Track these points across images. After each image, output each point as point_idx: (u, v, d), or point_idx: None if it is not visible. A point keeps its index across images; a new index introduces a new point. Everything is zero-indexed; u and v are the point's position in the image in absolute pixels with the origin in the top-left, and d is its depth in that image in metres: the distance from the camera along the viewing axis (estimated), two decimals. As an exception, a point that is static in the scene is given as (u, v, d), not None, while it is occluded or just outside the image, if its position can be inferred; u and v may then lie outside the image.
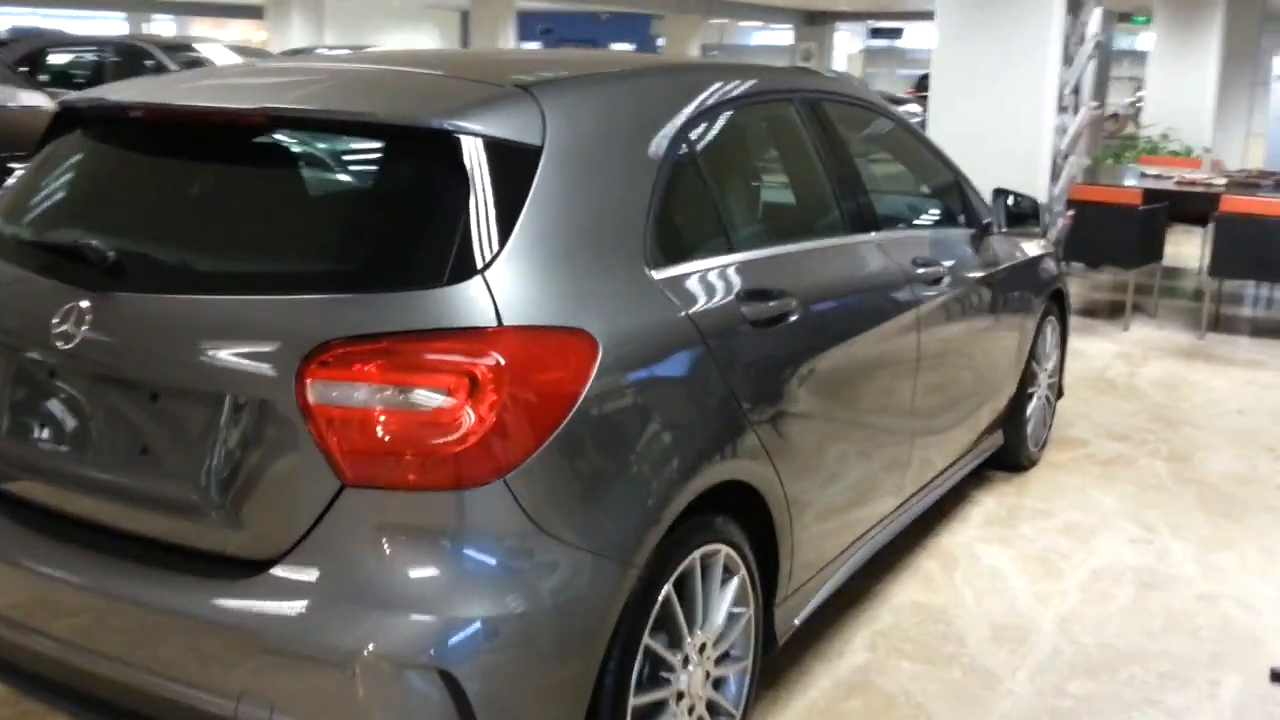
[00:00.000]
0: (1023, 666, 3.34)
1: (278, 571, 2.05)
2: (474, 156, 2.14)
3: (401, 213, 2.15)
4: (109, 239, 2.26)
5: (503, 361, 2.00)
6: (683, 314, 2.40)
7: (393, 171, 2.26)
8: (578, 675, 2.11)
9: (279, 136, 2.37)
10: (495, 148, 2.17)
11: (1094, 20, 7.17)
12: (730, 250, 2.69)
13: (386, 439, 1.98)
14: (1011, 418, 4.60)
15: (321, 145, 2.35)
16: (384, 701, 1.96)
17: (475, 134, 2.15)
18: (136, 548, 2.20)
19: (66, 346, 2.21)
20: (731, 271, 2.65)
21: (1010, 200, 4.28)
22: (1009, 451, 4.72)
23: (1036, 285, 4.60)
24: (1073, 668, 3.35)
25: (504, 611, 2.00)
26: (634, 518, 2.21)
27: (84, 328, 2.19)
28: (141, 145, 2.50)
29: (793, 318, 2.75)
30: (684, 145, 2.60)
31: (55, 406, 2.28)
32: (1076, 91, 7.40)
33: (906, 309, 3.38)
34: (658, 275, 2.39)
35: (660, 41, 30.63)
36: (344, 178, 2.40)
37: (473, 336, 2.01)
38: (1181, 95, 13.15)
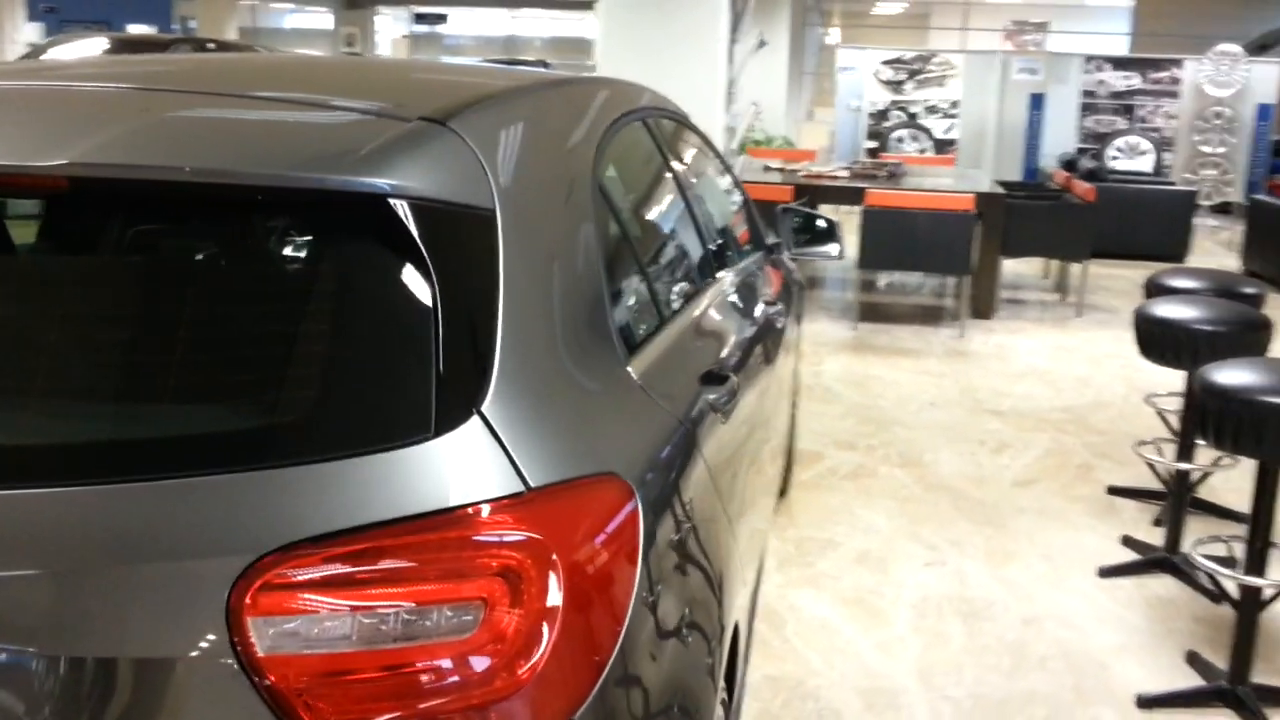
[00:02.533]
0: (915, 737, 3.06)
1: None
2: (430, 231, 1.46)
3: (342, 327, 1.43)
4: None
5: (555, 543, 1.36)
6: (674, 420, 1.85)
7: (316, 261, 1.52)
8: None
9: (112, 210, 1.55)
10: (448, 217, 1.51)
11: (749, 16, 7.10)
12: (663, 321, 2.15)
13: (395, 695, 1.28)
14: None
15: (178, 225, 1.56)
16: None
17: (420, 198, 1.47)
18: None
19: None
20: (683, 352, 2.12)
21: (797, 219, 3.98)
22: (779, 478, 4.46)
23: (797, 299, 4.36)
24: (962, 729, 3.11)
25: None
26: (706, 686, 1.66)
27: None
28: None
29: (738, 399, 2.26)
30: (601, 190, 2.02)
31: None
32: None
33: (778, 353, 2.98)
34: (634, 372, 1.81)
35: (193, 24, 28.31)
36: (238, 276, 1.58)
37: (501, 513, 1.34)
38: (762, 87, 13.69)
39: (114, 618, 1.24)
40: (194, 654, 1.24)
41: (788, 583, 4.01)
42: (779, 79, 14.82)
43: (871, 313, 8.44)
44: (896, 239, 7.68)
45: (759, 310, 3.01)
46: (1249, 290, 4.22)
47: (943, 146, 14.44)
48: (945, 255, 7.65)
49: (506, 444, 1.37)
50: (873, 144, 14.57)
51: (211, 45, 13.24)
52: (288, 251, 1.52)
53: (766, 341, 2.98)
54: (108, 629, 1.25)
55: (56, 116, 1.60)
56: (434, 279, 1.42)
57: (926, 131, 14.79)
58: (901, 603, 3.89)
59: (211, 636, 1.24)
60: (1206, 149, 13.64)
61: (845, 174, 9.01)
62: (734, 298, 2.82)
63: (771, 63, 14.05)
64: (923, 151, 14.16)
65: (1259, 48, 16.23)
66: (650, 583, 1.53)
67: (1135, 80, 14.00)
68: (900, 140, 14.76)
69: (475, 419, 1.37)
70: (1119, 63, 14.25)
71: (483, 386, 1.40)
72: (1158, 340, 3.79)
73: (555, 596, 1.33)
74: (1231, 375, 3.00)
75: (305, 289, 1.46)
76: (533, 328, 1.52)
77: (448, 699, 1.28)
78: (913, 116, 14.85)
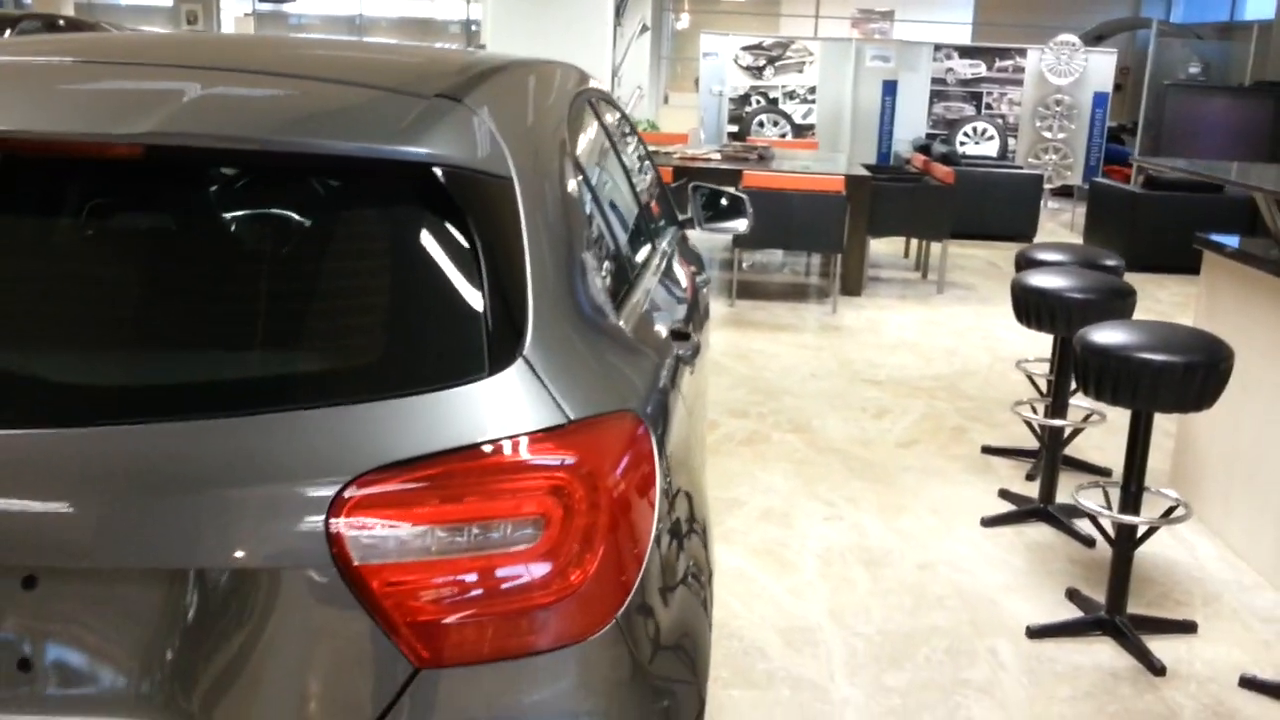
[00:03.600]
0: (834, 670, 3.34)
1: None
2: (467, 195, 1.65)
3: (406, 282, 1.61)
4: None
5: (592, 468, 1.57)
6: (661, 368, 2.06)
7: (370, 224, 1.68)
8: None
9: (183, 175, 1.68)
10: (479, 183, 1.69)
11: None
12: (630, 283, 2.36)
13: (470, 596, 1.48)
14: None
15: (252, 191, 1.70)
16: None
17: (456, 166, 1.66)
18: None
19: None
20: (651, 310, 2.33)
21: (706, 194, 4.22)
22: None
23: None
24: (876, 661, 3.41)
25: None
26: (703, 627, 1.88)
27: None
28: None
29: (699, 355, 2.49)
30: (575, 160, 2.23)
31: None
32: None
33: (707, 319, 3.21)
34: (623, 324, 2.02)
35: (28, 0, 27.11)
36: (301, 234, 1.73)
37: (551, 441, 1.54)
38: (630, 72, 13.92)
39: (228, 535, 1.41)
40: (299, 565, 1.41)
41: (701, 539, 4.24)
42: (643, 64, 15.08)
43: (747, 290, 8.76)
44: (773, 219, 7.99)
45: (695, 278, 3.24)
46: (1110, 262, 4.63)
47: (801, 131, 14.89)
48: (819, 234, 8.01)
49: (547, 383, 1.57)
50: (734, 128, 14.94)
51: (62, 23, 12.84)
52: (349, 216, 1.68)
53: (701, 307, 3.21)
54: (223, 545, 1.41)
55: (119, 89, 1.72)
56: (475, 239, 1.61)
57: (786, 117, 15.23)
58: (807, 553, 4.17)
59: (314, 549, 1.41)
60: (1048, 134, 14.40)
61: (718, 157, 9.30)
62: (675, 265, 3.04)
63: (636, 47, 14.31)
64: (783, 136, 14.60)
65: (1096, 38, 17.18)
66: (665, 498, 1.75)
67: (982, 68, 14.68)
68: (761, 125, 15.17)
69: (520, 361, 1.56)
70: (966, 51, 14.91)
71: (522, 333, 1.59)
72: (1034, 308, 4.15)
73: (598, 513, 1.54)
74: (1109, 335, 3.35)
75: (369, 250, 1.62)
76: (551, 283, 1.71)
77: (513, 601, 1.47)
78: (773, 102, 15.27)
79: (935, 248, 9.43)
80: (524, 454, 1.49)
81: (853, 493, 4.76)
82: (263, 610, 1.42)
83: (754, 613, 3.68)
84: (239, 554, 1.41)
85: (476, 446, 1.47)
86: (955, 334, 7.66)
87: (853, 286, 8.72)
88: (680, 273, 3.10)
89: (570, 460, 1.51)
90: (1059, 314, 4.07)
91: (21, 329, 1.56)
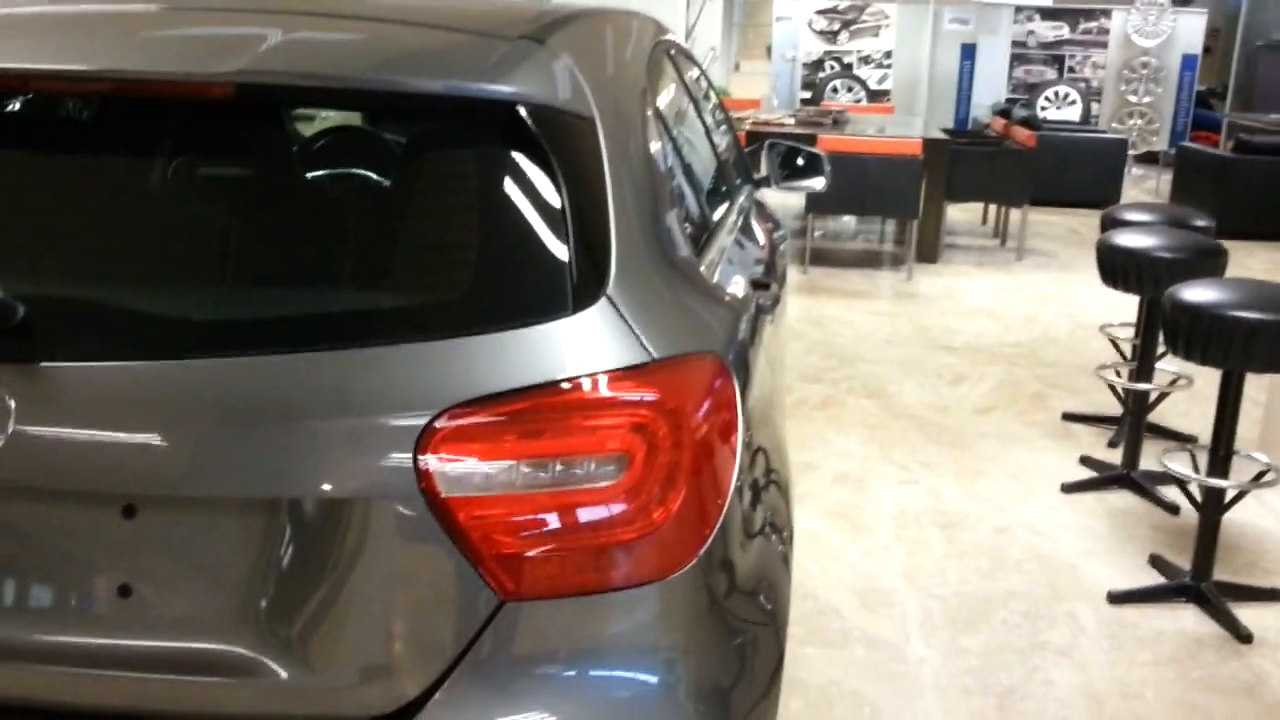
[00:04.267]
0: (910, 632, 3.30)
1: None
2: (552, 134, 1.63)
3: (494, 221, 1.60)
4: (23, 282, 1.52)
5: (675, 406, 1.55)
6: (742, 315, 2.03)
7: (456, 162, 1.68)
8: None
9: (273, 114, 1.69)
10: (563, 122, 1.67)
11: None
12: (711, 231, 2.33)
13: (554, 531, 1.47)
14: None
15: (341, 130, 1.70)
16: None
17: (545, 106, 1.64)
18: None
19: None
20: (731, 259, 2.31)
21: (782, 152, 4.16)
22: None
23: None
24: (952, 623, 3.36)
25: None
26: (784, 580, 1.86)
27: (8, 424, 1.45)
28: (39, 138, 1.70)
29: (779, 307, 2.45)
30: (655, 106, 2.20)
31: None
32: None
33: (786, 276, 3.18)
34: (703, 269, 1.99)
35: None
36: (388, 173, 1.75)
37: (634, 379, 1.52)
38: (702, 37, 13.83)
39: (318, 467, 1.42)
40: (388, 496, 1.42)
41: (775, 500, 4.22)
42: (715, 29, 14.96)
43: (820, 257, 8.68)
44: (848, 184, 7.89)
45: (772, 234, 3.20)
46: (1200, 223, 4.50)
47: (876, 97, 14.69)
48: (895, 199, 7.90)
49: (630, 321, 1.55)
50: (806, 95, 14.78)
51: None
52: (436, 154, 1.68)
53: (779, 263, 3.18)
54: (313, 476, 1.42)
55: (209, 32, 1.73)
56: (559, 178, 1.59)
57: (861, 82, 15.04)
58: (882, 516, 4.13)
59: (402, 481, 1.42)
60: (1133, 99, 14.06)
61: (792, 121, 9.20)
62: (752, 221, 3.01)
63: (708, 12, 14.20)
64: (858, 101, 14.41)
65: None
66: (746, 450, 1.73)
67: (1064, 30, 14.36)
68: (835, 90, 15.00)
69: (604, 300, 1.55)
70: (1049, 13, 14.59)
71: (605, 272, 1.57)
72: (1121, 268, 4.05)
73: (681, 451, 1.52)
74: (1200, 293, 3.26)
75: (456, 188, 1.62)
76: (634, 224, 1.69)
77: (596, 537, 1.47)
78: (847, 67, 15.08)
79: (1014, 214, 9.26)
80: (608, 391, 1.48)
81: (928, 457, 4.70)
82: (353, 541, 1.44)
83: (829, 573, 3.65)
84: (329, 485, 1.42)
85: (561, 383, 1.47)
86: (1035, 301, 7.53)
87: (929, 253, 8.60)
88: (757, 228, 3.07)
89: (654, 397, 1.50)
90: (1146, 274, 3.97)
91: (118, 265, 1.60)
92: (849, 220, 10.20)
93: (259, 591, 1.45)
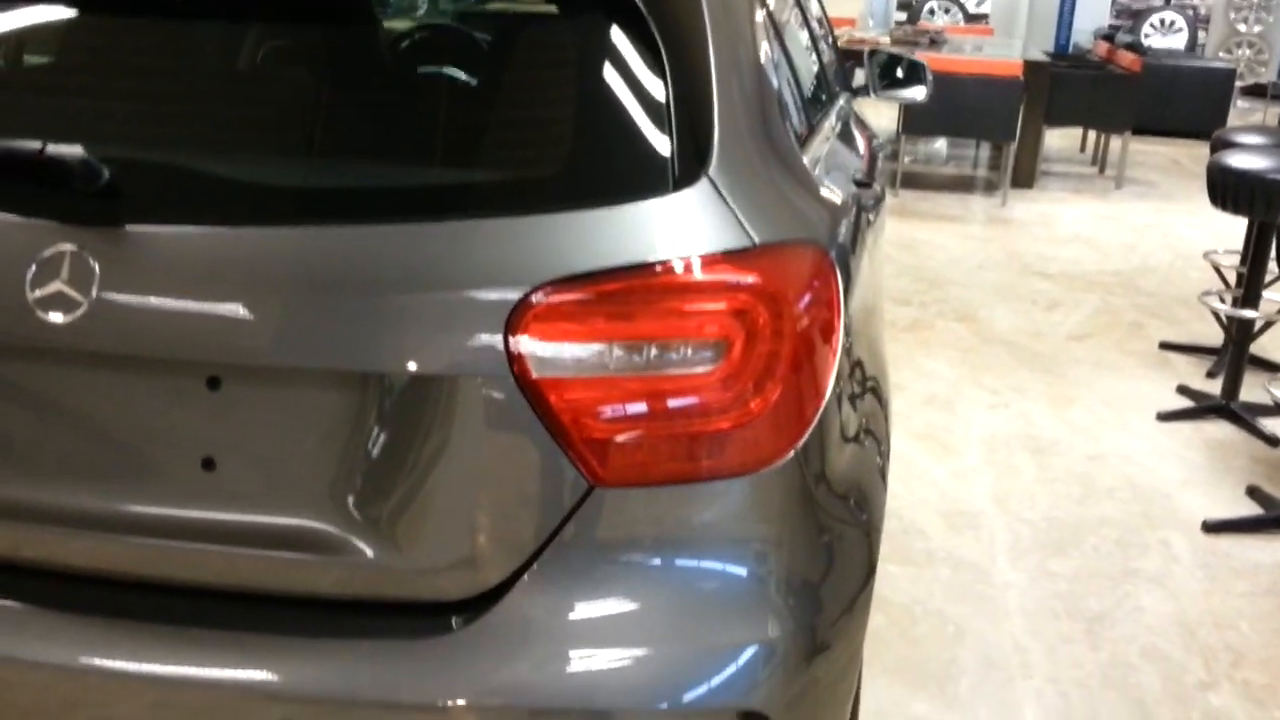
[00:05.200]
0: (997, 554, 3.25)
1: (492, 616, 1.45)
2: (655, 6, 1.56)
3: (593, 94, 1.54)
4: (111, 144, 1.49)
5: (777, 293, 1.49)
6: (845, 212, 1.96)
7: (556, 32, 1.63)
8: (855, 670, 1.72)
9: None
10: None
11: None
12: (812, 128, 2.25)
13: (647, 417, 1.43)
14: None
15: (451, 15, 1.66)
16: None
17: None
18: (230, 611, 1.52)
19: (61, 320, 1.45)
20: (833, 156, 2.23)
21: (882, 61, 4.05)
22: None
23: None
24: (1041, 547, 3.30)
25: (806, 624, 1.55)
26: (879, 490, 1.81)
27: (92, 287, 1.44)
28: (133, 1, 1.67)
29: (880, 207, 2.38)
30: None
31: (44, 415, 1.51)
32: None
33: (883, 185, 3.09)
34: (806, 162, 1.92)
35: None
36: (486, 42, 1.71)
37: (735, 262, 1.47)
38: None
39: (406, 340, 1.39)
40: (477, 374, 1.39)
41: (861, 420, 4.17)
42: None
43: (911, 181, 8.50)
44: (945, 104, 7.67)
45: (871, 141, 3.12)
46: (1317, 146, 4.30)
47: (974, 19, 14.29)
48: (992, 121, 7.69)
49: (731, 204, 1.50)
50: (901, 16, 14.42)
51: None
52: (533, 25, 1.64)
53: (878, 167, 3.10)
54: (401, 350, 1.40)
55: None
56: (663, 51, 1.53)
57: (959, 4, 14.63)
58: (971, 439, 4.06)
59: (492, 359, 1.39)
60: (1242, 28, 13.51)
61: (887, 40, 8.97)
62: (852, 126, 2.93)
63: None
64: (955, 24, 14.02)
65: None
66: (846, 356, 1.68)
67: (1175, -46, 13.80)
68: (932, 12, 14.62)
69: (705, 180, 1.49)
70: (1159, -64, 14.02)
71: (707, 153, 1.52)
72: (1232, 190, 3.90)
73: (781, 341, 1.47)
74: (1318, 214, 3.12)
75: (553, 59, 1.58)
76: (738, 105, 1.62)
77: (690, 424, 1.43)
78: (945, -11, 14.68)
79: (1115, 143, 8.97)
80: (707, 274, 1.43)
81: (1019, 382, 4.60)
82: (441, 419, 1.42)
83: (914, 494, 3.60)
84: (417, 360, 1.39)
85: (658, 263, 1.42)
86: (1134, 230, 7.31)
87: (1024, 179, 8.38)
88: (857, 134, 2.99)
89: (754, 282, 1.45)
90: (1259, 196, 3.81)
91: (207, 130, 1.58)
92: (941, 146, 9.97)
93: (345, 469, 1.44)
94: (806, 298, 1.53)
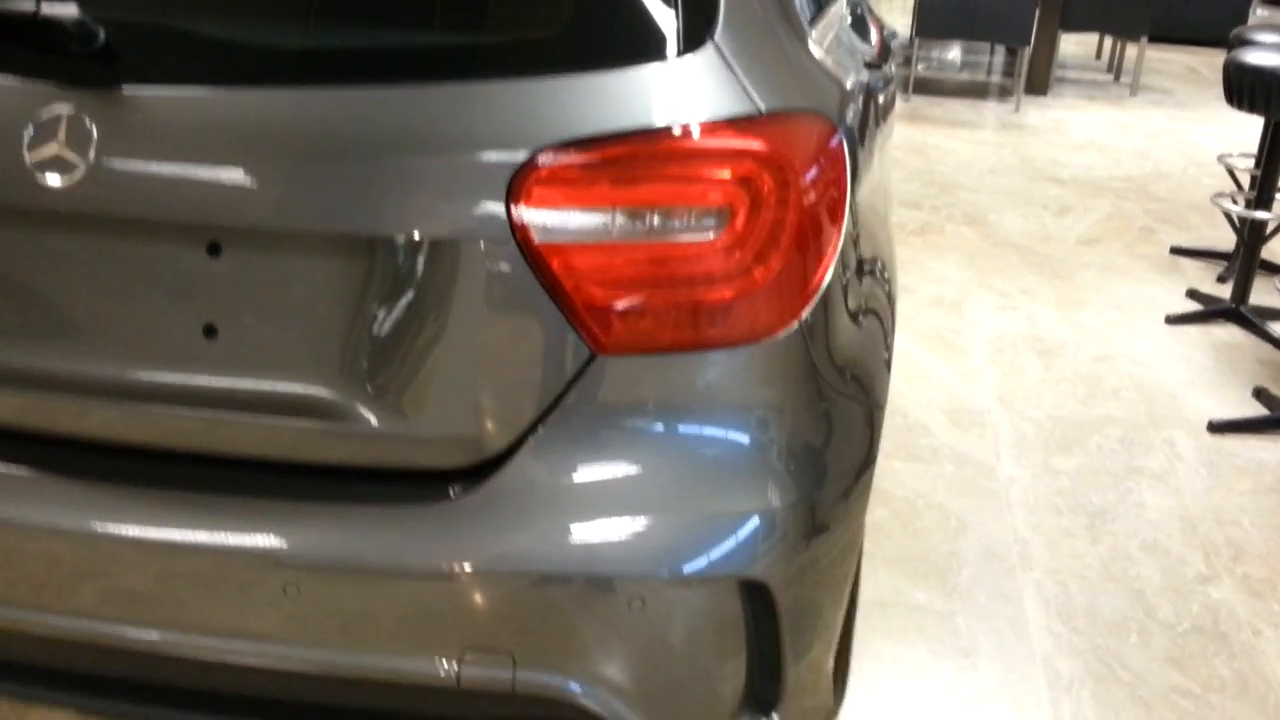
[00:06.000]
0: (1001, 451, 3.25)
1: (494, 483, 1.46)
2: None
3: None
4: (108, 4, 1.46)
5: (783, 162, 1.47)
6: (856, 89, 1.93)
7: None
8: (855, 554, 1.72)
9: None
10: None
11: None
12: (823, 5, 2.20)
13: (650, 284, 1.42)
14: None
15: None
16: (672, 634, 1.48)
17: None
18: (236, 478, 1.53)
19: (59, 183, 1.43)
20: (840, 39, 2.19)
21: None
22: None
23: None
24: (1045, 445, 3.30)
25: (807, 497, 1.54)
26: (883, 378, 1.80)
27: (90, 150, 1.42)
28: None
29: (890, 90, 2.34)
30: None
31: (43, 281, 1.50)
32: None
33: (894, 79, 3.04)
34: (816, 35, 1.88)
35: None
36: None
37: (740, 129, 1.44)
38: None
39: (407, 203, 1.38)
40: (479, 238, 1.38)
41: (868, 320, 4.16)
42: None
43: (924, 86, 8.38)
44: (958, 6, 7.56)
45: (882, 30, 3.06)
46: (1338, 44, 4.22)
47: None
48: (1007, 23, 7.55)
49: (738, 71, 1.47)
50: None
51: None
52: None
53: (890, 59, 3.04)
54: (402, 213, 1.38)
55: None
56: None
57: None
58: (978, 340, 4.05)
59: (493, 223, 1.37)
60: (1266, -69, 13.19)
61: (903, -57, 8.79)
62: (863, 10, 2.87)
63: None
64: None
65: None
66: (853, 229, 1.66)
67: None
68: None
69: (710, 45, 1.46)
70: None
71: (713, 16, 1.48)
72: (1250, 87, 3.83)
73: (786, 210, 1.45)
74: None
75: None
76: None
77: (694, 293, 1.42)
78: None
79: (1130, 50, 8.83)
80: (712, 140, 1.41)
81: (1028, 285, 4.58)
82: (443, 286, 1.41)
83: (920, 393, 3.60)
84: (418, 224, 1.38)
85: (663, 129, 1.40)
86: (1148, 137, 7.22)
87: (1038, 85, 8.26)
88: (869, 20, 2.93)
89: (760, 149, 1.42)
90: (1275, 94, 3.75)
91: None
92: (956, 55, 9.82)
93: (348, 335, 1.43)
94: (813, 170, 1.51)
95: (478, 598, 1.44)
